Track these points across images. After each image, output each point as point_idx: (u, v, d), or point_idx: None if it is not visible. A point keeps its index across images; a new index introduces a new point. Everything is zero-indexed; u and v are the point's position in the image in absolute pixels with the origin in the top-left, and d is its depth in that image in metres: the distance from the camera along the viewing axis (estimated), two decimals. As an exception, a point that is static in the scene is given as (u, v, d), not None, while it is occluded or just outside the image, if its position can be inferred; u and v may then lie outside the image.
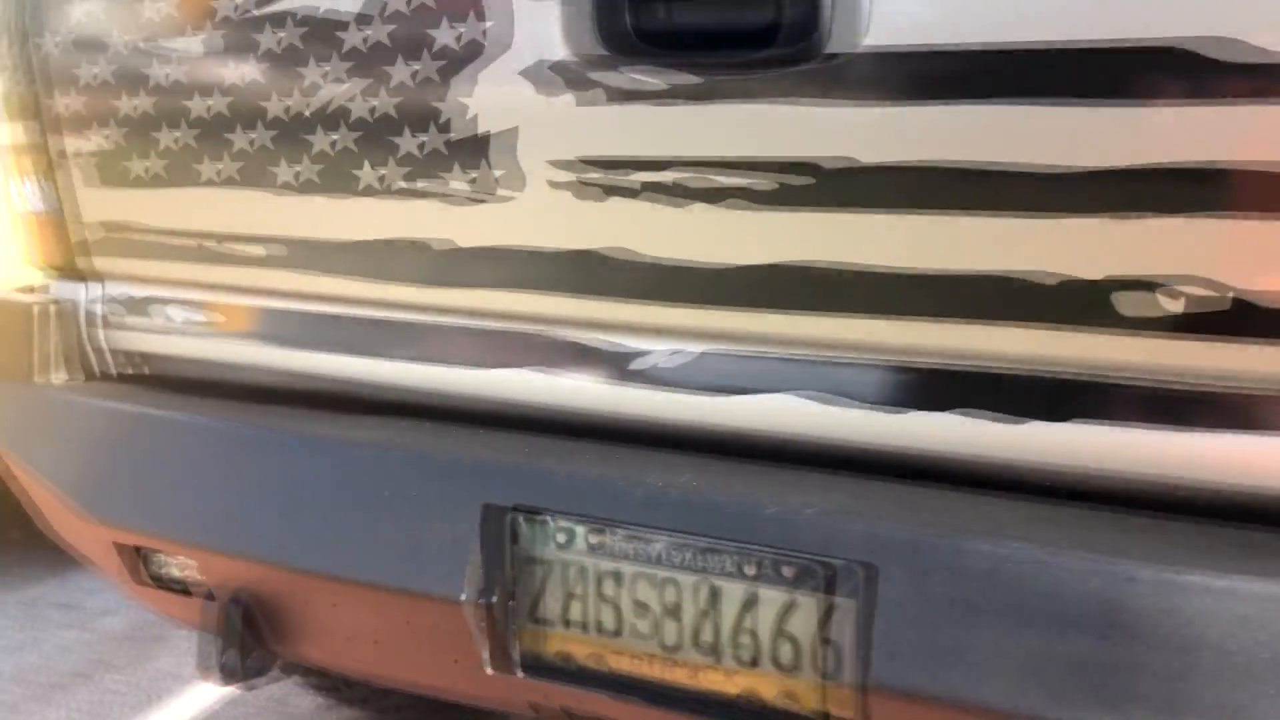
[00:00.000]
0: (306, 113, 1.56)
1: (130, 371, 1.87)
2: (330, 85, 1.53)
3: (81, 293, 1.85)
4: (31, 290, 1.90)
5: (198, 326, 1.78)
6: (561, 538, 1.42)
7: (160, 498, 1.61)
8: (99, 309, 1.85)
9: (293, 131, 1.57)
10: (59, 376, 1.82)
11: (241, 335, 1.75)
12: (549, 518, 1.42)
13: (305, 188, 1.60)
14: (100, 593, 3.77)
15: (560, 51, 1.38)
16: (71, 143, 1.76)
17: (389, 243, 1.58)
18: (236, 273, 1.71)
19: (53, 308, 1.82)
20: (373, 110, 1.52)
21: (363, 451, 1.50)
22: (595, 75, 1.38)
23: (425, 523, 1.46)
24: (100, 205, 1.77)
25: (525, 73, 1.41)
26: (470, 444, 1.49)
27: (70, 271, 1.85)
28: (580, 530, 1.40)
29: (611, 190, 1.41)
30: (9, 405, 1.80)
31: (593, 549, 1.40)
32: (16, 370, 1.80)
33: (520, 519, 1.43)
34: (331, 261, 1.62)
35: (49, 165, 1.80)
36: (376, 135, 1.52)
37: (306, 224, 1.62)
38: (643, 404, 1.48)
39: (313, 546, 1.50)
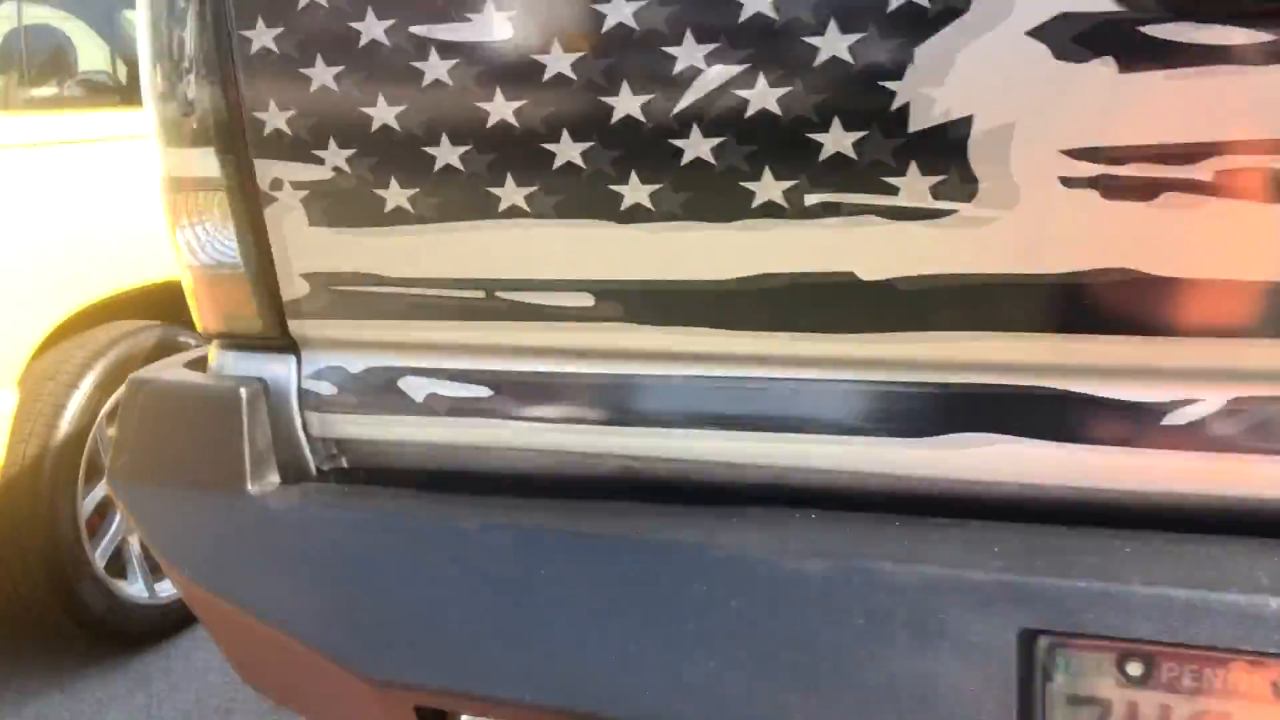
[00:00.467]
0: (674, 111, 1.15)
1: (365, 467, 1.41)
2: (714, 70, 1.12)
3: (293, 368, 1.39)
4: (215, 370, 1.43)
5: (473, 405, 1.34)
6: (1134, 671, 1.02)
7: (487, 642, 1.17)
8: (322, 388, 1.39)
9: (648, 138, 1.16)
10: (272, 482, 1.36)
11: (544, 412, 1.32)
12: (1107, 644, 1.02)
13: (662, 213, 1.18)
14: (112, 703, 3.21)
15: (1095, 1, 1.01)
16: (291, 171, 1.32)
17: (792, 280, 1.17)
18: (540, 331, 1.28)
19: (259, 391, 1.36)
20: (780, 101, 1.11)
21: (814, 569, 1.08)
22: (1157, 30, 1.00)
23: (910, 662, 1.04)
24: (329, 253, 1.33)
25: (1036, 33, 1.03)
26: (960, 549, 1.09)
27: (277, 341, 1.39)
28: (1161, 660, 1.01)
29: (1163, 188, 1.03)
30: (207, 528, 1.33)
31: (1178, 684, 1.01)
32: (215, 478, 1.34)
33: (1059, 648, 1.03)
34: (695, 309, 1.21)
35: (254, 203, 1.34)
36: (784, 136, 1.12)
37: (661, 262, 1.20)
38: (1199, 476, 1.09)
39: (743, 706, 1.07)
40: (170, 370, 1.43)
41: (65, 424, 3.04)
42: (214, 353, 1.43)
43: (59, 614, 3.13)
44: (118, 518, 3.25)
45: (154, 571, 3.34)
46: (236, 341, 1.42)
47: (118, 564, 3.26)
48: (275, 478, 1.35)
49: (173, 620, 3.38)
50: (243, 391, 1.34)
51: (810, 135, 1.12)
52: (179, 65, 1.34)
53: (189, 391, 1.36)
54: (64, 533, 3.07)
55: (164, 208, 1.42)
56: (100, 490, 3.17)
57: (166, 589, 3.37)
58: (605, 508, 1.23)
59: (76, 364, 3.10)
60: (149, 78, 1.38)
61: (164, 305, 3.36)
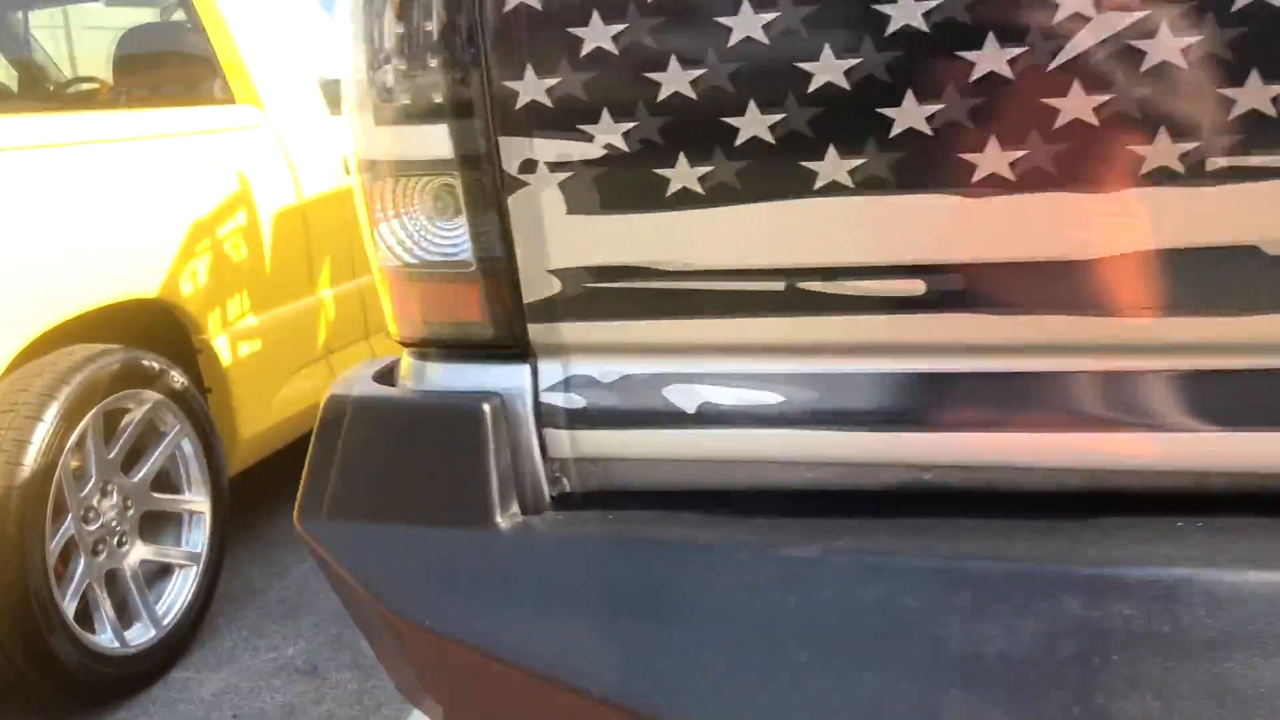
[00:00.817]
0: (1054, 63, 1.01)
1: (614, 489, 1.23)
2: (1110, 16, 0.99)
3: (548, 379, 1.21)
4: (437, 384, 1.23)
5: (766, 413, 1.18)
6: None
7: (858, 695, 1.01)
8: (574, 400, 1.21)
9: (1019, 94, 1.02)
10: (540, 509, 1.17)
11: (852, 418, 1.16)
12: None
13: (1026, 182, 1.05)
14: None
15: None
16: (549, 149, 1.13)
17: (1185, 255, 1.04)
18: (861, 324, 1.12)
19: (527, 405, 1.17)
20: (1189, 51, 0.99)
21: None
22: None
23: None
24: (593, 243, 1.15)
25: None
26: None
27: (518, 349, 1.20)
28: None
29: None
30: (471, 569, 1.14)
31: None
32: (477, 509, 1.14)
33: None
34: (1060, 292, 1.07)
35: (494, 188, 1.15)
36: (1186, 85, 1.00)
37: (1020, 238, 1.06)
38: None
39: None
40: (382, 388, 1.22)
41: (30, 460, 2.73)
42: (433, 364, 1.23)
43: (28, 669, 2.81)
44: (83, 561, 2.93)
45: (122, 619, 3.03)
46: (463, 351, 1.22)
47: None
48: (547, 503, 1.16)
49: (145, 670, 3.08)
50: (483, 408, 1.15)
51: (1219, 92, 0.99)
52: (401, 28, 1.14)
53: (433, 410, 1.16)
54: (33, 580, 2.74)
55: (364, 197, 1.21)
56: (67, 530, 2.85)
57: (137, 637, 3.07)
58: (966, 528, 1.08)
59: (37, 394, 2.78)
60: (352, 44, 1.17)
61: (124, 327, 3.05)
